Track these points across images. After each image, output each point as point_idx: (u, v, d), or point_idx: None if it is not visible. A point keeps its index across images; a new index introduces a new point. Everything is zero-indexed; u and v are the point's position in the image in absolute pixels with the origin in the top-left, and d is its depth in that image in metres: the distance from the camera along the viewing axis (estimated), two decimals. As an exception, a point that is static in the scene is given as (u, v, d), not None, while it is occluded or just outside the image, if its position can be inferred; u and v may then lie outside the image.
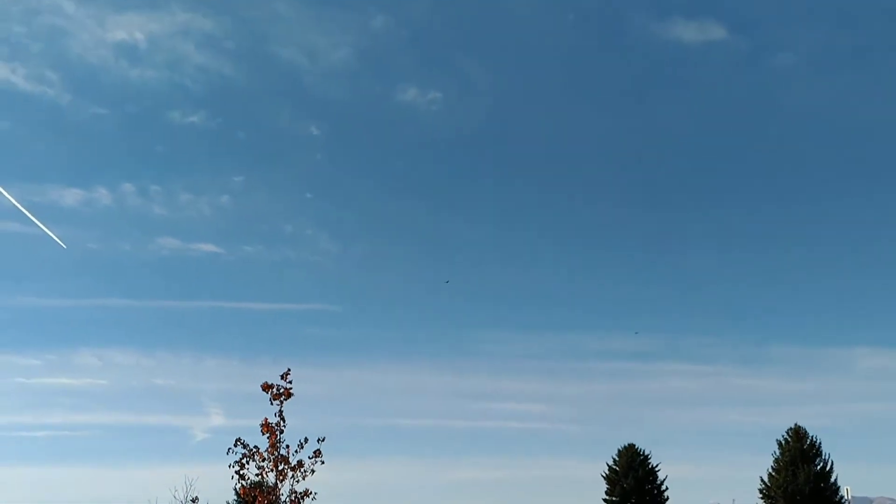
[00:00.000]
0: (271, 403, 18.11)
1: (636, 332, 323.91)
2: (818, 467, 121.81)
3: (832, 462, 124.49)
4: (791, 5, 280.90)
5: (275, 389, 18.15)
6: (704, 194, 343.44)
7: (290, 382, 18.20)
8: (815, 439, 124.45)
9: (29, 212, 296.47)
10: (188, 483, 41.66)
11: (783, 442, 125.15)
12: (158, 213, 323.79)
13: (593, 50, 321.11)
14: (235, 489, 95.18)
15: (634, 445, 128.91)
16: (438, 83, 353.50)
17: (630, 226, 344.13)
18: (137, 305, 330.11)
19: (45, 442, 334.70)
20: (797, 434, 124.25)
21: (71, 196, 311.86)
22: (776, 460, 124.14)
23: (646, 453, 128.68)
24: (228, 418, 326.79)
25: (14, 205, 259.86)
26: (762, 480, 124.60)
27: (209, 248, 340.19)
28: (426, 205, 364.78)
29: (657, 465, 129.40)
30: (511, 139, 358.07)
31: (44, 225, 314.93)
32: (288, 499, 17.83)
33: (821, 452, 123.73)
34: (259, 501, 17.70)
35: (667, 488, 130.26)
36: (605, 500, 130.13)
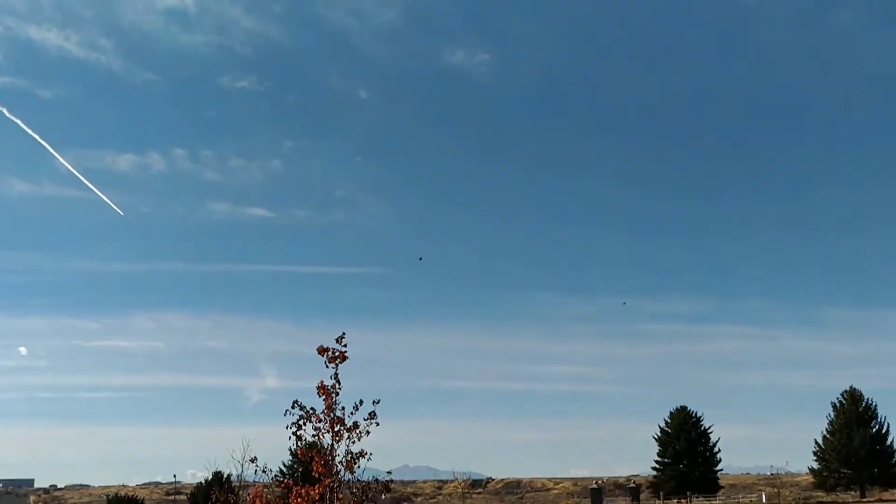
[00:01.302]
0: (327, 366, 18.36)
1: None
2: (874, 430, 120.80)
3: (888, 425, 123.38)
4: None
5: (330, 353, 18.37)
6: (761, 152, 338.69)
7: (345, 346, 18.41)
8: (870, 402, 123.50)
9: (84, 177, 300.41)
10: (245, 444, 42.49)
11: (838, 404, 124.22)
12: (210, 178, 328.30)
13: (647, 6, 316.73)
14: (291, 449, 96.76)
15: (686, 407, 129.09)
16: (487, 44, 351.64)
17: (683, 184, 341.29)
18: (191, 269, 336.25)
19: (104, 403, 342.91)
20: (853, 397, 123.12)
21: (125, 161, 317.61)
22: (831, 423, 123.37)
23: (698, 415, 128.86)
24: (282, 380, 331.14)
25: (70, 171, 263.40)
26: (816, 443, 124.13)
27: (260, 212, 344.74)
28: (476, 167, 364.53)
29: (710, 427, 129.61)
30: (561, 100, 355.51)
31: (99, 190, 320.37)
32: (344, 459, 18.05)
33: (877, 415, 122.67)
34: (316, 462, 17.94)
35: (719, 450, 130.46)
36: (656, 461, 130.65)
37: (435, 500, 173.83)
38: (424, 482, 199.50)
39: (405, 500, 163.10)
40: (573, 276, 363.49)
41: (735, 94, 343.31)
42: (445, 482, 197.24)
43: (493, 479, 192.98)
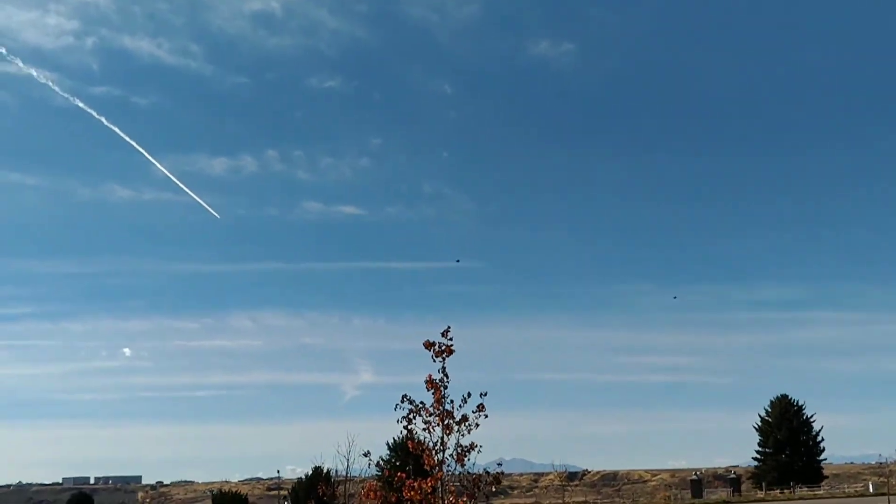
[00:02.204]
0: (433, 360, 18.59)
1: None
2: None
3: None
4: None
5: (437, 346, 18.57)
6: (852, 135, 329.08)
7: (451, 339, 18.57)
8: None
9: (180, 182, 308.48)
10: (350, 439, 43.31)
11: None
12: (302, 178, 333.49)
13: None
14: (389, 444, 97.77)
15: (788, 396, 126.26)
16: (571, 34, 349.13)
17: (773, 171, 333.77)
18: (286, 268, 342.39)
19: (205, 401, 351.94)
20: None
21: (218, 164, 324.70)
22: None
23: (799, 404, 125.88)
24: (377, 375, 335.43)
25: (167, 175, 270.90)
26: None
27: (351, 210, 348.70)
28: (562, 158, 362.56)
29: (812, 416, 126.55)
30: (647, 88, 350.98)
31: (195, 194, 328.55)
32: (454, 452, 18.23)
33: None
34: (426, 455, 18.18)
35: (822, 439, 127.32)
36: (757, 451, 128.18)
37: (531, 492, 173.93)
38: (520, 475, 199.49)
39: (501, 493, 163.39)
40: (663, 265, 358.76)
41: (831, 80, 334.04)
42: (541, 475, 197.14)
43: (590, 472, 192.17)
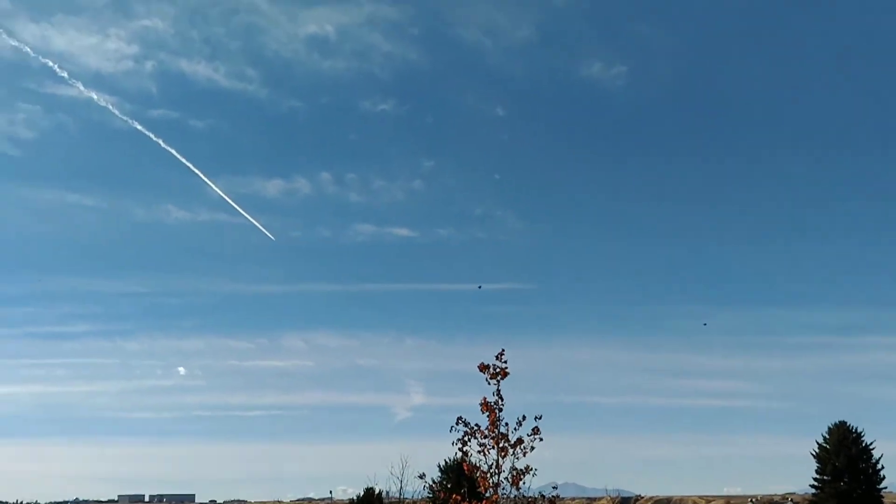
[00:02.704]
0: (488, 383, 18.69)
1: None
2: None
3: None
4: None
5: (491, 369, 18.70)
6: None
7: (506, 362, 18.69)
8: None
9: (236, 203, 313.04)
10: (403, 460, 43.54)
11: None
12: (354, 200, 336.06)
13: (787, 10, 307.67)
14: (440, 465, 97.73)
15: (846, 423, 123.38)
16: (623, 56, 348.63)
17: (824, 189, 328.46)
18: (338, 290, 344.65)
19: (259, 421, 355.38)
20: None
21: (273, 186, 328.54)
22: None
23: (858, 430, 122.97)
24: (428, 396, 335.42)
25: (222, 197, 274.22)
26: None
27: (403, 232, 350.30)
28: (614, 180, 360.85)
29: (871, 443, 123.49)
30: (699, 109, 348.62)
31: (250, 215, 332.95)
32: (509, 475, 18.29)
33: None
34: (482, 478, 18.25)
35: (883, 467, 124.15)
36: (815, 479, 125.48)
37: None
38: (572, 500, 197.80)
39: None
40: (715, 288, 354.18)
41: (881, 93, 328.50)
42: (593, 500, 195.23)
43: (643, 497, 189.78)
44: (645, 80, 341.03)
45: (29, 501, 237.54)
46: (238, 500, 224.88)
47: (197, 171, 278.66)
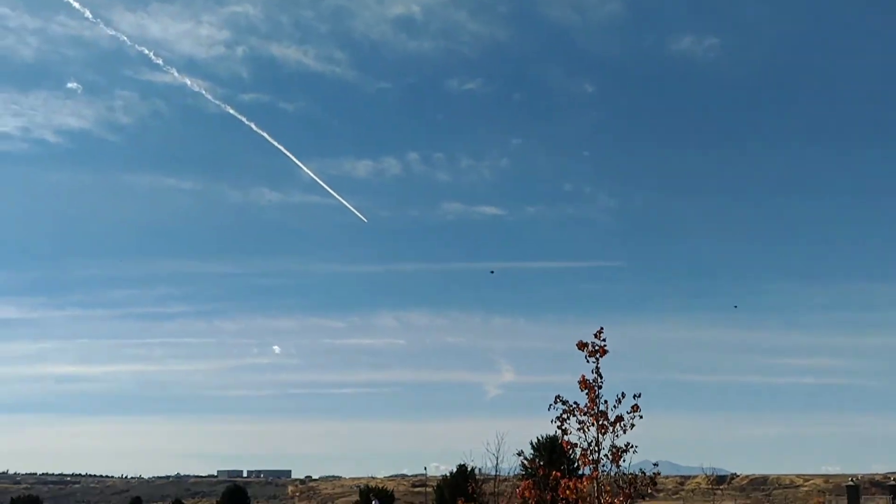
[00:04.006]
0: (587, 361, 18.66)
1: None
2: None
3: None
4: None
5: (590, 347, 18.64)
6: None
7: (604, 340, 18.60)
8: None
9: (327, 185, 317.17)
10: (499, 437, 43.71)
11: None
12: (442, 179, 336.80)
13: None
14: (532, 442, 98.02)
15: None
16: (715, 28, 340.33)
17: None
18: (428, 268, 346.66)
19: (351, 398, 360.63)
20: None
21: (362, 167, 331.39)
22: None
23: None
24: (519, 374, 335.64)
25: (314, 178, 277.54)
26: None
27: (491, 210, 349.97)
28: (705, 156, 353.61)
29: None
30: (796, 82, 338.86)
31: (340, 196, 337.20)
32: (609, 452, 18.27)
33: None
34: (583, 456, 18.28)
35: None
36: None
37: (677, 495, 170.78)
38: (666, 478, 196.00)
39: (646, 496, 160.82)
40: (813, 262, 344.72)
41: None
42: (687, 478, 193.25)
43: (738, 476, 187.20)
44: (739, 53, 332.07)
45: (132, 476, 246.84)
46: (332, 477, 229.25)
47: (288, 153, 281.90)
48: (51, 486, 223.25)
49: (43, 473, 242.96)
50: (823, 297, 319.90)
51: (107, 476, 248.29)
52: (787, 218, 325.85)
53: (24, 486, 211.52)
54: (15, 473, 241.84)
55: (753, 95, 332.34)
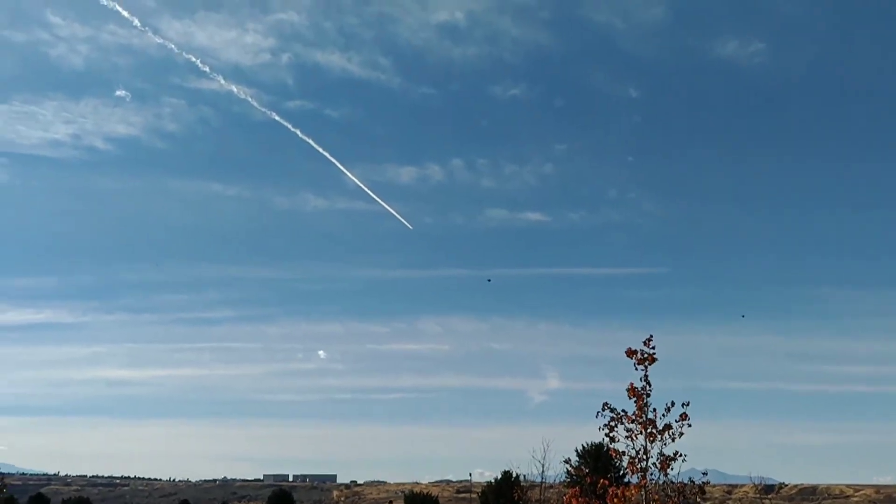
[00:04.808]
0: (636, 368, 18.64)
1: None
2: None
3: None
4: None
5: (639, 354, 18.65)
6: None
7: (653, 348, 18.61)
8: None
9: (371, 191, 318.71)
10: (545, 444, 43.64)
11: None
12: (486, 186, 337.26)
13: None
14: (577, 450, 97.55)
15: None
16: (760, 32, 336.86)
17: None
18: (472, 274, 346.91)
19: (395, 403, 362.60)
20: None
21: (406, 174, 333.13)
22: None
23: None
24: (563, 381, 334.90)
25: (358, 185, 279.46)
26: None
27: (535, 216, 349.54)
28: (751, 161, 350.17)
29: None
30: (845, 90, 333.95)
31: (384, 202, 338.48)
32: (657, 461, 18.24)
33: None
34: (630, 464, 18.27)
35: None
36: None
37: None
38: (713, 486, 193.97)
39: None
40: (864, 270, 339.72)
41: None
42: (734, 486, 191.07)
43: (787, 485, 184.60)
44: (784, 58, 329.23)
45: (180, 479, 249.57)
46: (377, 482, 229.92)
47: (333, 159, 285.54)
48: (100, 487, 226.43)
49: (93, 476, 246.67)
50: (875, 304, 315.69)
51: (155, 479, 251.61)
52: (838, 226, 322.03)
53: (75, 487, 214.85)
54: (66, 475, 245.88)
55: (800, 101, 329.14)
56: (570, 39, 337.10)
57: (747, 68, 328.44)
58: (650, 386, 18.57)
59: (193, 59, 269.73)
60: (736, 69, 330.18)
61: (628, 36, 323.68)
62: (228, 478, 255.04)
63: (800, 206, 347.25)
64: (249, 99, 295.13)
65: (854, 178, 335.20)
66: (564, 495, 21.18)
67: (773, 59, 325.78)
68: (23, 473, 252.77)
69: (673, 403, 18.43)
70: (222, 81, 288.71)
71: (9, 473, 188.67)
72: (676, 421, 18.36)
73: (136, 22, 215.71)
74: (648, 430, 18.34)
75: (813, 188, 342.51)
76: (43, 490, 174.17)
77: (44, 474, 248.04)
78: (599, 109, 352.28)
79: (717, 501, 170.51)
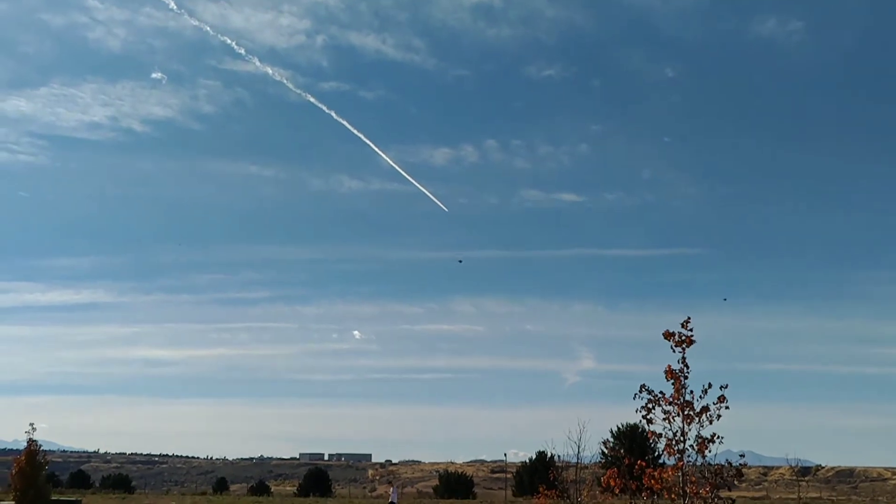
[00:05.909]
0: (673, 351, 18.62)
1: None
2: None
3: None
4: None
5: (677, 336, 18.61)
6: None
7: (691, 330, 18.56)
8: None
9: (405, 172, 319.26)
10: (581, 425, 43.59)
11: None
12: (520, 167, 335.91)
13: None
14: (612, 431, 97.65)
15: None
16: (800, 11, 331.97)
17: None
18: (506, 256, 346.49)
19: (430, 384, 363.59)
20: None
21: (440, 155, 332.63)
22: None
23: None
24: (598, 362, 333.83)
25: (393, 166, 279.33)
26: None
27: (570, 197, 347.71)
28: (790, 142, 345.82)
29: None
30: (889, 70, 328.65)
31: (419, 183, 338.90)
32: (695, 443, 18.25)
33: None
34: (668, 446, 18.29)
35: None
36: None
37: (760, 486, 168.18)
38: (749, 468, 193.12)
39: (727, 486, 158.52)
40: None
41: None
42: (770, 468, 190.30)
43: (823, 467, 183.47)
44: (825, 37, 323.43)
45: (217, 458, 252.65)
46: (412, 461, 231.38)
47: (368, 141, 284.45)
48: (139, 465, 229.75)
49: (132, 453, 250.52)
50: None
51: (193, 457, 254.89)
52: (877, 206, 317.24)
53: (115, 465, 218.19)
54: (105, 453, 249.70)
55: (840, 82, 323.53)
56: (605, 19, 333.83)
57: (785, 47, 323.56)
58: (688, 368, 18.51)
59: (229, 42, 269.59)
60: (774, 48, 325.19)
61: (665, 15, 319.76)
62: (265, 456, 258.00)
63: (837, 186, 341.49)
64: (285, 81, 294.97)
65: (891, 160, 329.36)
66: (603, 476, 21.20)
67: (812, 38, 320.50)
68: (63, 451, 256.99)
69: (710, 385, 18.37)
70: (258, 63, 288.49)
71: (50, 451, 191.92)
72: (714, 403, 18.27)
73: (172, 4, 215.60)
74: (686, 413, 18.29)
75: (855, 168, 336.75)
76: (83, 467, 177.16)
77: (84, 452, 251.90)
78: (635, 90, 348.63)
79: (752, 483, 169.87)
